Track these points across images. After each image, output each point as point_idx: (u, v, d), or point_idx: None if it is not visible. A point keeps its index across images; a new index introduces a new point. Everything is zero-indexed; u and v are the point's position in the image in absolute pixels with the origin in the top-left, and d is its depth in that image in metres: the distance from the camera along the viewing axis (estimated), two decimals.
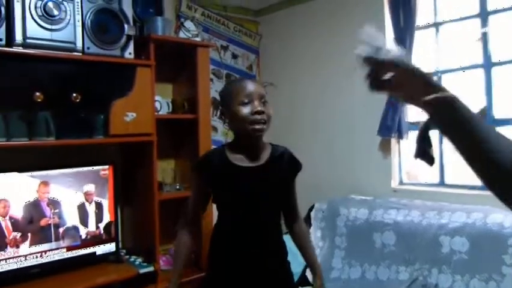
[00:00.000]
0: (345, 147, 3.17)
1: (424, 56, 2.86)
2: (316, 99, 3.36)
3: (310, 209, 2.95)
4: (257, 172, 1.52)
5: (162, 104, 2.74)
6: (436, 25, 2.82)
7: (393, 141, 2.93)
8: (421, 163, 2.68)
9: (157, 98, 2.64)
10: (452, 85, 2.73)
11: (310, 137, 3.39)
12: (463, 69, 2.69)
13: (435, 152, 3.02)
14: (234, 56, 3.59)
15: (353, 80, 3.08)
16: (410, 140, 2.83)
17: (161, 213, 2.56)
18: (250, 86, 1.49)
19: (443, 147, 2.71)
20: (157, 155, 2.53)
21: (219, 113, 1.63)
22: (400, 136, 2.83)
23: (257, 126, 1.46)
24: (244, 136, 1.50)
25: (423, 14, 2.80)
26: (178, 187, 2.82)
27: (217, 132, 3.43)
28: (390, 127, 2.79)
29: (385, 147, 2.95)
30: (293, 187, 1.67)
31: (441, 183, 2.77)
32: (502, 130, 0.77)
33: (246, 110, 1.45)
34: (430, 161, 2.76)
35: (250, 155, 1.53)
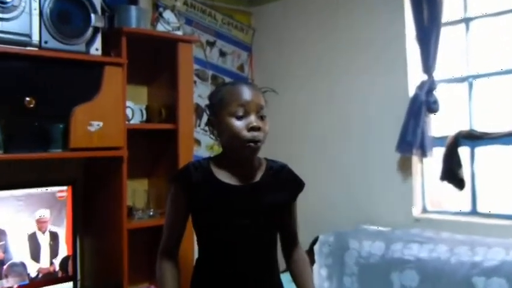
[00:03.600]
0: (357, 167, 3.18)
1: (452, 58, 2.93)
2: (321, 106, 3.39)
3: (314, 242, 2.95)
4: (248, 192, 1.54)
5: (135, 111, 2.75)
6: (466, 21, 2.89)
7: (414, 159, 2.96)
8: (449, 186, 2.77)
9: (128, 103, 2.66)
10: (485, 93, 2.80)
11: (313, 153, 3.41)
12: (499, 73, 2.76)
13: (465, 173, 3.10)
14: (222, 54, 3.61)
15: (366, 84, 3.15)
16: (436, 159, 2.86)
17: (131, 246, 2.55)
18: (247, 94, 1.51)
19: (475, 167, 2.75)
20: (127, 174, 2.54)
21: (204, 121, 1.64)
22: (423, 153, 2.86)
23: (251, 145, 1.49)
24: (234, 153, 1.54)
25: (450, 8, 2.87)
26: (152, 213, 2.82)
27: (200, 146, 3.44)
28: (411, 142, 2.83)
29: (405, 167, 2.98)
30: (293, 210, 1.69)
31: (474, 211, 2.80)
32: None
33: (239, 125, 1.48)
34: (459, 184, 2.87)
35: (240, 173, 1.56)
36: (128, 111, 2.69)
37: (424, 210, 3.00)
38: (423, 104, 2.82)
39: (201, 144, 3.46)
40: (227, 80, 3.64)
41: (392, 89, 3.03)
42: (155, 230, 2.78)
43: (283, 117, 3.47)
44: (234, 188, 1.54)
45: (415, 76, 2.96)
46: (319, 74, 3.41)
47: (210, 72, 3.54)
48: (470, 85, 2.86)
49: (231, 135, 1.50)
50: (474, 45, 2.87)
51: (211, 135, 1.63)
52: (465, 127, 2.78)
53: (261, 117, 1.52)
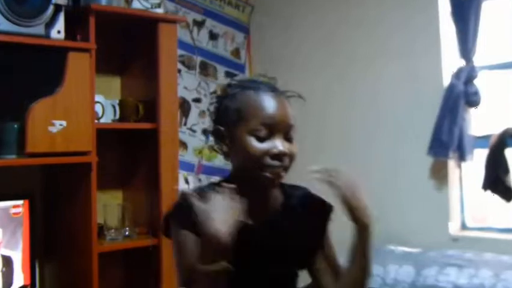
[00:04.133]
0: (380, 173, 3.17)
1: (496, 39, 2.91)
2: (337, 101, 3.39)
3: None
4: (266, 233, 1.49)
5: (106, 107, 2.74)
6: None
7: (451, 164, 2.95)
8: (494, 197, 2.72)
9: (98, 98, 2.65)
10: None
11: (327, 158, 3.34)
12: None
13: None
14: (213, 36, 3.61)
15: (390, 72, 3.13)
16: (477, 163, 2.85)
17: (103, 273, 2.54)
18: (274, 108, 1.44)
19: None
20: (97, 184, 2.54)
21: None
22: (462, 157, 2.85)
23: (273, 174, 1.41)
24: (249, 180, 1.45)
25: None
26: (127, 233, 2.82)
27: (186, 150, 3.43)
28: (446, 143, 2.82)
29: (439, 174, 2.96)
30: (328, 239, 1.68)
31: None
32: None
33: (260, 148, 1.40)
34: (507, 194, 2.82)
35: (255, 205, 1.47)
36: (98, 108, 2.67)
37: (463, 227, 2.99)
38: (461, 96, 2.80)
39: (187, 147, 3.45)
40: (219, 69, 3.65)
41: (423, 78, 3.01)
42: (132, 253, 2.85)
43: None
44: (249, 228, 1.44)
45: (451, 62, 2.95)
46: (334, 61, 3.40)
47: (198, 59, 3.53)
48: None
49: (248, 158, 1.42)
50: None
51: (217, 149, 1.53)
52: None
53: (289, 139, 1.46)
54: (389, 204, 3.07)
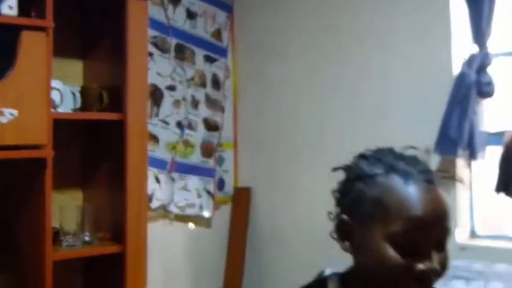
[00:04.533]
0: None
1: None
2: (329, 91, 3.40)
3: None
4: None
5: (64, 94, 2.73)
6: None
7: (460, 162, 2.97)
8: (507, 201, 2.74)
9: (55, 84, 2.64)
10: None
11: (320, 154, 3.42)
12: None
13: None
14: (191, 15, 3.60)
15: (390, 58, 3.15)
16: (490, 162, 2.87)
17: (58, 283, 2.53)
18: (428, 209, 1.22)
19: None
20: (53, 183, 2.53)
21: (336, 221, 1.30)
22: (472, 155, 2.87)
23: None
24: None
25: None
26: (87, 239, 2.81)
27: (158, 144, 3.42)
28: (455, 139, 2.83)
29: (447, 173, 2.97)
30: None
31: None
32: None
33: (400, 263, 1.22)
34: None
35: None
36: (55, 95, 2.66)
37: (473, 235, 3.02)
38: (472, 86, 2.82)
39: (158, 141, 3.44)
40: (198, 52, 3.63)
41: (429, 66, 3.03)
42: (93, 262, 2.84)
43: (278, 104, 3.47)
44: None
45: (462, 48, 2.96)
46: (328, 42, 3.41)
47: (174, 41, 3.52)
48: None
49: (381, 272, 1.25)
50: None
51: (336, 240, 1.35)
52: None
53: (441, 248, 1.25)
54: None
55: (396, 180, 1.24)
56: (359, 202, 1.27)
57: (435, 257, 1.21)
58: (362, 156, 1.32)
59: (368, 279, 1.28)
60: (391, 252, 1.21)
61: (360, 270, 1.32)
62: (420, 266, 1.19)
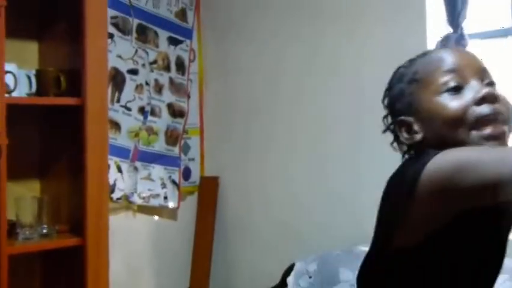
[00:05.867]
0: (348, 165, 3.19)
1: (487, 16, 2.91)
2: (301, 76, 3.38)
3: (288, 272, 2.91)
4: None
5: (19, 78, 2.69)
6: None
7: None
8: None
9: (9, 67, 2.61)
10: None
11: (286, 147, 3.43)
12: None
13: None
14: None
15: (359, 40, 3.13)
16: None
17: (14, 279, 2.53)
18: (457, 54, 1.37)
19: None
20: (8, 173, 2.53)
21: (387, 122, 1.39)
22: None
23: (491, 130, 1.27)
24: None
25: None
26: (45, 231, 2.80)
27: (120, 132, 3.40)
28: None
29: None
30: None
31: None
32: None
33: (460, 101, 1.29)
34: None
35: None
36: (9, 79, 2.62)
37: None
38: None
39: (120, 128, 3.42)
40: (161, 34, 3.62)
41: (400, 48, 2.91)
42: (51, 255, 2.87)
43: (248, 88, 3.47)
44: None
45: (436, 29, 2.93)
46: (299, 27, 3.38)
47: (135, 22, 3.49)
48: None
49: (448, 123, 1.29)
50: None
51: (400, 148, 1.46)
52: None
53: (491, 85, 1.32)
54: (360, 201, 3.11)
55: (423, 56, 1.41)
56: (401, 96, 1.39)
57: (494, 89, 1.29)
58: (398, 68, 1.45)
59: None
60: (447, 99, 1.29)
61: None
62: (479, 94, 1.26)
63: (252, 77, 3.56)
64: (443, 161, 1.23)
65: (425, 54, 1.42)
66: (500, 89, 1.31)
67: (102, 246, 2.75)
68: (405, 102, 1.37)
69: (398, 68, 1.45)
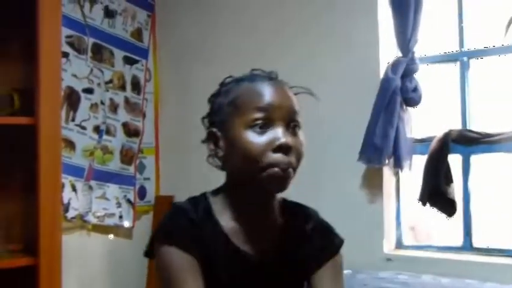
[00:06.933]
0: (304, 183, 3.12)
1: (440, 27, 2.96)
2: None
3: None
4: (267, 267, 1.51)
5: None
6: None
7: (386, 172, 2.97)
8: (433, 211, 2.72)
9: None
10: (485, 77, 2.83)
11: None
12: (506, 50, 2.78)
13: (457, 192, 3.06)
14: (109, 13, 3.57)
15: (316, 62, 3.15)
16: (416, 172, 2.86)
17: None
18: (272, 92, 1.45)
19: (471, 183, 2.76)
20: None
21: (206, 136, 1.50)
22: (398, 164, 2.86)
23: (276, 174, 1.40)
24: (248, 186, 1.47)
25: None
26: None
27: (74, 151, 3.37)
28: (380, 147, 2.82)
29: (372, 183, 2.98)
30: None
31: (468, 246, 2.82)
32: None
33: (259, 142, 1.40)
34: (448, 207, 2.83)
35: (257, 224, 1.52)
36: None
37: (399, 245, 3.02)
38: (397, 92, 2.82)
39: (75, 147, 3.39)
40: (117, 53, 3.61)
41: (354, 70, 3.03)
42: (3, 275, 2.73)
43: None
44: (251, 259, 1.50)
45: (388, 52, 2.97)
46: (254, 48, 3.41)
47: (91, 41, 3.48)
48: (464, 66, 2.87)
49: (246, 157, 1.41)
50: (470, 10, 2.89)
51: (212, 159, 1.54)
52: (456, 126, 2.79)
53: (294, 130, 1.45)
54: None
55: (244, 84, 1.50)
56: (219, 111, 1.50)
57: (290, 137, 1.41)
58: (222, 84, 1.58)
59: (240, 176, 1.47)
60: (251, 135, 1.40)
61: (233, 175, 1.52)
62: (277, 142, 1.38)
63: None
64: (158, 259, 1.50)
65: (252, 80, 1.51)
66: (300, 135, 1.46)
67: (55, 266, 2.68)
68: (221, 119, 1.48)
69: (229, 82, 1.57)
